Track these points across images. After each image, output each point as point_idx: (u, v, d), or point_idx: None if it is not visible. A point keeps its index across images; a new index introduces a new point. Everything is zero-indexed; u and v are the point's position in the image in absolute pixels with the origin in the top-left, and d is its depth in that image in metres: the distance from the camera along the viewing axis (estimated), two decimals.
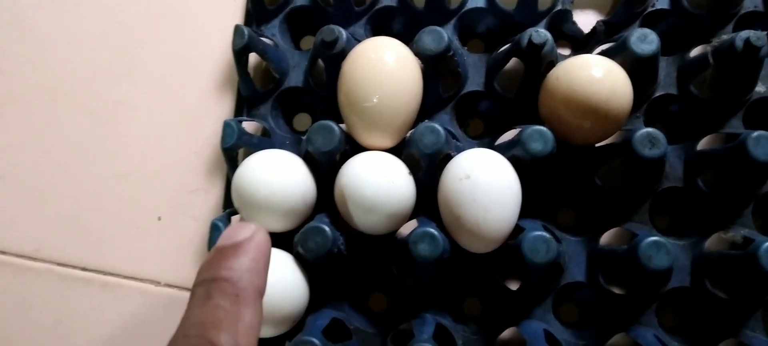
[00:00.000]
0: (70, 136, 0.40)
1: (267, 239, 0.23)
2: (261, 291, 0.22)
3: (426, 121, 0.31)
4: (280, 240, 0.32)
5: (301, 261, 0.32)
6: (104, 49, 0.41)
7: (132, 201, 0.39)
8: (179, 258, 0.38)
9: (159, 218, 0.38)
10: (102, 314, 0.38)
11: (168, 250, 0.38)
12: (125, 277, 0.38)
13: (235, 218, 0.35)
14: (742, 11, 0.34)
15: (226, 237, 0.23)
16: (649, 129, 0.30)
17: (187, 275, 0.37)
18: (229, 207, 0.36)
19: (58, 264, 0.39)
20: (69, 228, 0.39)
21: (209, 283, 0.22)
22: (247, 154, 0.33)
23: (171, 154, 0.39)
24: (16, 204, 0.40)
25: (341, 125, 0.32)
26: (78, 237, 0.39)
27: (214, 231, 0.33)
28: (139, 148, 0.40)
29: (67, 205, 0.40)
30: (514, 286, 0.33)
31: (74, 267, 0.39)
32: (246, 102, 0.37)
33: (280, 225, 0.32)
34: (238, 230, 0.23)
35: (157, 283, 0.38)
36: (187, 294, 0.36)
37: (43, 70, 0.42)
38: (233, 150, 0.34)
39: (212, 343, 0.20)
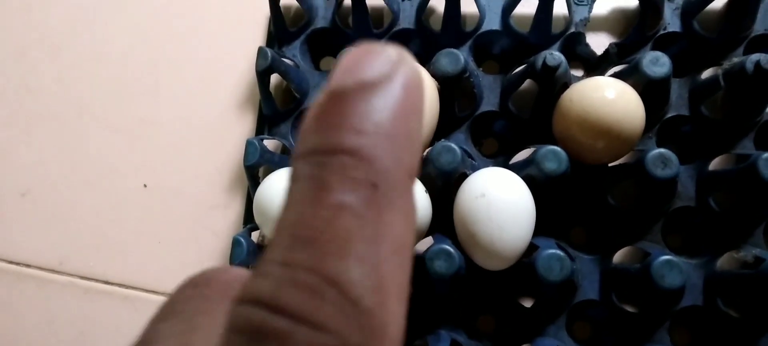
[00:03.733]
0: (94, 152, 0.42)
1: (420, 76, 0.13)
2: (414, 174, 0.12)
3: (442, 140, 0.32)
4: None
5: None
6: (130, 67, 0.43)
7: (154, 216, 0.40)
8: None
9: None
10: (123, 327, 0.39)
11: (188, 264, 0.39)
12: (146, 290, 0.39)
13: (255, 233, 0.36)
14: (752, 34, 0.34)
15: (348, 70, 0.12)
16: (662, 150, 0.30)
17: None
18: (249, 223, 0.37)
19: (81, 277, 0.40)
20: (92, 242, 0.40)
21: (324, 157, 0.12)
22: (268, 172, 0.34)
23: (193, 171, 0.40)
24: (41, 218, 0.41)
25: None
26: (101, 251, 0.40)
27: (236, 246, 0.34)
28: (162, 164, 0.41)
29: (91, 219, 0.41)
30: (527, 303, 0.34)
31: (97, 280, 0.40)
32: (267, 121, 0.38)
33: None
34: (368, 58, 0.12)
35: None
36: None
37: (69, 88, 0.43)
38: (255, 168, 0.35)
39: (337, 283, 0.11)
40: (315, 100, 0.13)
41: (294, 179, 0.12)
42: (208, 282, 0.14)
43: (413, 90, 0.12)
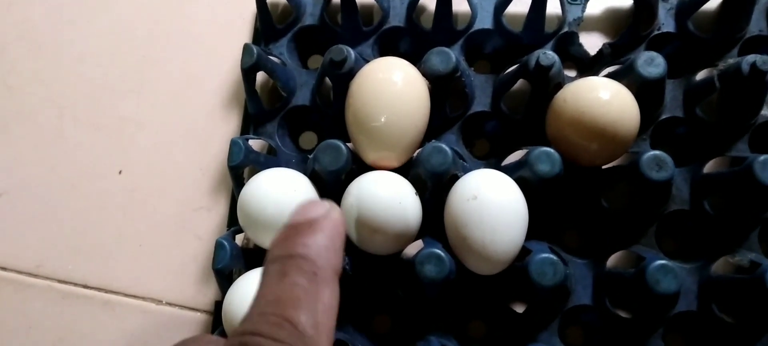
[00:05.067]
0: (74, 152, 0.41)
1: (343, 218, 0.22)
2: (338, 271, 0.21)
3: (433, 141, 0.31)
4: None
5: None
6: (112, 65, 0.42)
7: (135, 218, 0.39)
8: (181, 277, 0.37)
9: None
10: (103, 333, 0.38)
11: (170, 268, 0.38)
12: (127, 295, 0.38)
13: (239, 237, 0.35)
14: (747, 35, 0.34)
15: (300, 213, 0.22)
16: (657, 152, 0.30)
17: (190, 294, 0.37)
18: (233, 225, 0.36)
19: (60, 281, 0.39)
20: (71, 245, 0.39)
21: (284, 260, 0.20)
22: (252, 173, 0.33)
23: (176, 172, 0.39)
24: (18, 220, 0.40)
25: (348, 144, 0.32)
26: (80, 254, 0.39)
27: (220, 250, 0.33)
28: (144, 165, 0.40)
29: (70, 221, 0.39)
30: (520, 309, 0.33)
31: (76, 285, 0.39)
32: (253, 120, 0.37)
33: None
34: (312, 207, 0.22)
35: (159, 301, 0.37)
36: (190, 314, 0.37)
37: (50, 85, 0.42)
38: (240, 168, 0.34)
39: (291, 322, 0.19)
40: (281, 230, 0.22)
41: (266, 273, 0.21)
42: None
43: (338, 224, 0.22)
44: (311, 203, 0.22)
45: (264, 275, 0.21)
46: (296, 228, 0.21)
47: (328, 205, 0.22)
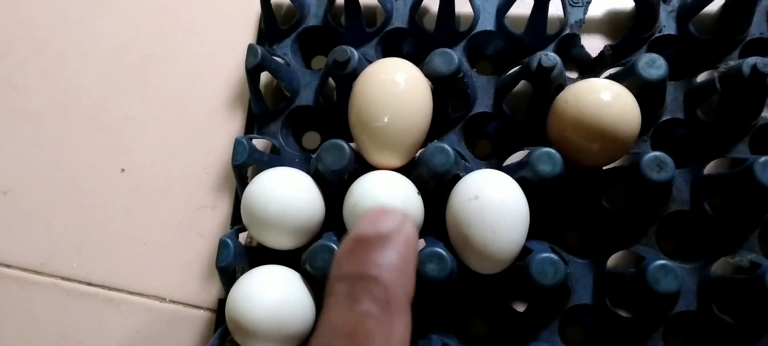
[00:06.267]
0: (79, 150, 0.41)
1: (416, 233, 0.20)
2: (411, 298, 0.19)
3: (435, 141, 0.32)
4: (288, 258, 0.32)
5: (309, 279, 0.32)
6: (117, 64, 0.42)
7: (139, 216, 0.39)
8: (185, 275, 0.38)
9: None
10: (107, 330, 0.38)
11: (174, 266, 0.38)
12: (130, 293, 0.38)
13: (242, 235, 0.35)
14: (748, 38, 0.34)
15: (370, 224, 0.19)
16: (658, 153, 0.30)
17: (193, 291, 0.37)
18: (236, 224, 0.37)
19: (64, 279, 0.39)
20: (75, 243, 0.39)
21: (354, 281, 0.18)
22: (256, 172, 0.33)
23: (180, 170, 0.39)
24: (23, 218, 0.40)
25: (351, 144, 0.32)
26: (84, 252, 0.39)
27: (223, 248, 0.33)
28: (148, 164, 0.40)
29: (74, 219, 0.40)
30: (520, 308, 0.33)
31: (80, 282, 0.39)
32: (256, 120, 0.38)
33: (288, 243, 0.32)
34: (383, 218, 0.19)
35: (163, 299, 0.38)
36: (193, 312, 0.37)
37: (55, 84, 0.42)
38: (244, 167, 0.34)
39: None
40: (345, 240, 0.19)
41: (332, 293, 0.18)
42: None
43: (412, 240, 0.19)
44: (382, 213, 0.19)
45: (330, 296, 0.18)
46: (366, 242, 0.18)
47: (401, 216, 0.19)
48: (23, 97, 0.42)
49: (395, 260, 0.18)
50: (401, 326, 0.18)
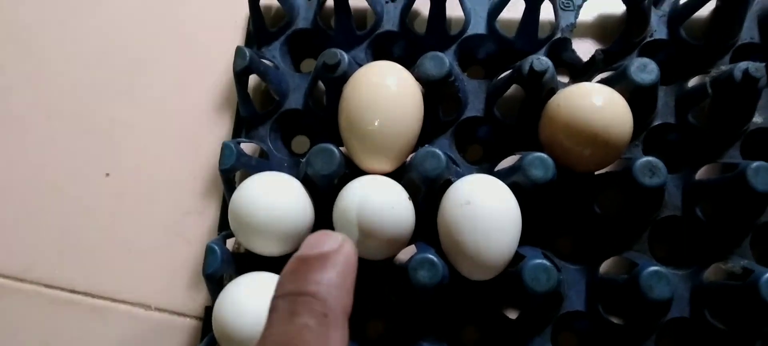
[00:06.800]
0: (63, 154, 0.40)
1: (355, 253, 0.21)
2: (349, 312, 0.20)
3: (426, 145, 0.31)
4: (276, 265, 0.32)
5: None
6: (103, 66, 0.41)
7: (124, 222, 0.38)
8: (171, 282, 0.37)
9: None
10: (91, 339, 0.37)
11: (160, 273, 0.37)
12: (115, 300, 0.37)
13: (230, 241, 0.35)
14: (739, 42, 0.34)
15: (311, 246, 0.20)
16: (650, 158, 0.30)
17: (179, 299, 0.37)
18: (223, 230, 0.36)
19: (47, 286, 0.38)
20: (59, 249, 0.39)
21: (294, 297, 0.19)
22: (244, 177, 0.33)
23: (166, 175, 0.39)
24: (5, 223, 0.39)
25: (341, 149, 0.32)
26: (68, 258, 0.38)
27: (210, 254, 0.32)
28: (134, 168, 0.39)
29: (58, 225, 0.39)
30: (513, 315, 0.33)
31: (63, 289, 0.38)
32: (244, 123, 0.37)
33: (277, 249, 0.32)
34: (324, 239, 0.20)
35: (148, 307, 0.37)
36: (179, 320, 0.36)
37: (39, 87, 0.42)
38: (231, 172, 0.33)
39: None
40: (289, 261, 0.20)
41: (274, 309, 0.19)
42: None
43: (351, 259, 0.20)
44: (323, 235, 0.21)
45: (272, 312, 0.20)
46: (306, 262, 0.20)
47: (340, 237, 0.21)
48: (5, 100, 0.42)
49: (334, 278, 0.20)
50: (338, 338, 0.19)
